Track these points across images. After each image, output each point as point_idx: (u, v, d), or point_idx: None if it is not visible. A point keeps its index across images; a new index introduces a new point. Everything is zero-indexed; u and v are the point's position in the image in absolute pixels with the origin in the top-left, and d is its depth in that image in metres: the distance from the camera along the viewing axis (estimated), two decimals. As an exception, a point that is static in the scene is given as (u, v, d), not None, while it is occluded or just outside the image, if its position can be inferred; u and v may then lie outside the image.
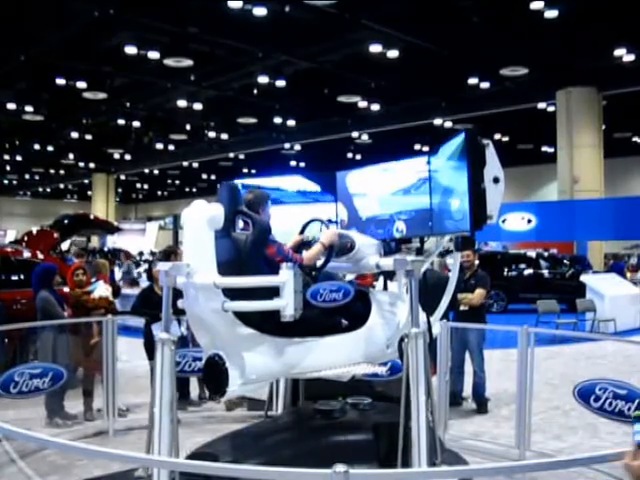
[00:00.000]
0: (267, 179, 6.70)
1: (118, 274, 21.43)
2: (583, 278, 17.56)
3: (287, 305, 4.33)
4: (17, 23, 15.34)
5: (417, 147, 31.18)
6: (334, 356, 4.78)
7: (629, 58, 18.09)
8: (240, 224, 4.62)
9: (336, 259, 5.07)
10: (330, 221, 5.46)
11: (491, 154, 4.73)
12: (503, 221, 21.69)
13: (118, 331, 8.30)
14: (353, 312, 4.90)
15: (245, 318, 4.40)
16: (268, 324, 4.50)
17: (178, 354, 6.46)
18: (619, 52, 17.82)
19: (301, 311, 4.40)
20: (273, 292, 4.39)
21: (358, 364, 4.91)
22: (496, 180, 4.72)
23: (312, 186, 6.50)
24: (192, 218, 4.52)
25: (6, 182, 47.39)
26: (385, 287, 5.50)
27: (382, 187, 5.82)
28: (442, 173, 5.14)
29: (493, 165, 4.74)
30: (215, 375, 4.42)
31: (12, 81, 21.06)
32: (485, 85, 20.79)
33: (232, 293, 4.33)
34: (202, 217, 4.43)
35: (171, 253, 9.29)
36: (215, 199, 4.70)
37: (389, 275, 5.41)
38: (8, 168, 39.89)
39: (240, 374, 4.38)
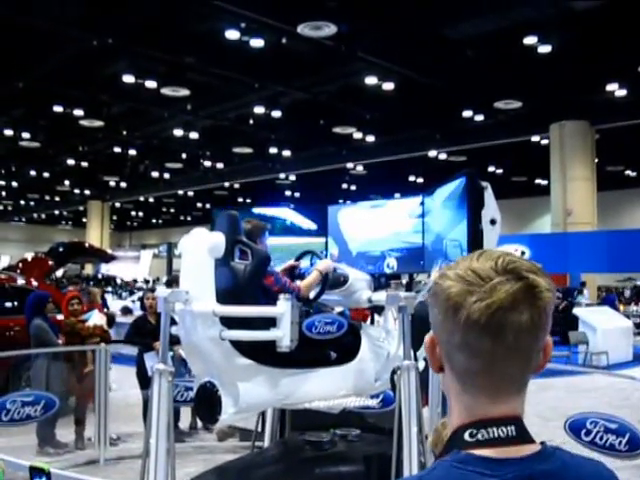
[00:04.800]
0: (263, 209, 6.77)
1: (112, 302, 21.35)
2: (576, 311, 17.59)
3: (284, 336, 4.36)
4: (15, 50, 15.46)
5: (412, 178, 31.36)
6: (325, 388, 4.80)
7: (621, 93, 18.31)
8: (237, 254, 4.65)
9: (329, 292, 5.11)
10: (320, 256, 5.49)
11: (489, 196, 4.81)
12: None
13: (111, 360, 8.31)
14: (343, 345, 4.93)
15: (241, 347, 4.42)
16: (263, 354, 4.51)
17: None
18: (611, 87, 18.03)
19: (297, 342, 4.43)
20: (269, 322, 4.42)
21: (348, 396, 4.93)
22: (493, 222, 4.80)
23: (303, 220, 6.57)
24: (192, 246, 4.54)
25: (1, 208, 47.41)
26: (372, 321, 5.53)
27: (374, 224, 5.90)
28: (437, 213, 5.22)
29: (491, 207, 4.82)
30: (207, 403, 4.42)
31: (9, 108, 21.16)
32: (479, 118, 20.97)
33: (228, 322, 4.36)
34: (203, 245, 4.45)
35: (173, 282, 9.31)
36: (209, 227, 4.72)
37: (377, 309, 5.44)
38: (4, 194, 39.96)
39: (233, 402, 4.39)
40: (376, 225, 5.88)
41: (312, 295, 4.98)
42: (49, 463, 7.11)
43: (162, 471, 4.20)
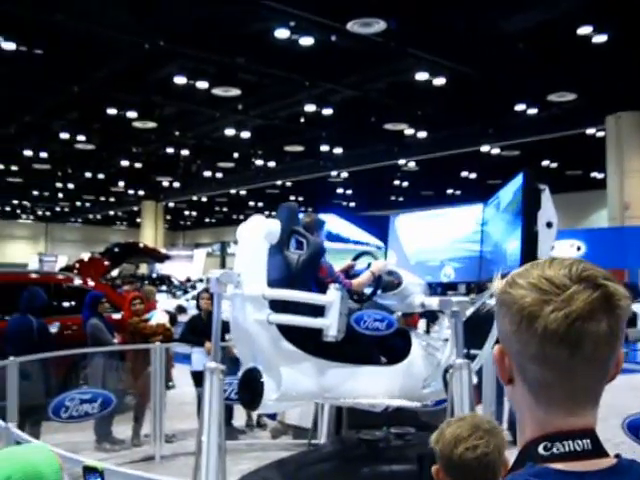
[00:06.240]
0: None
1: (166, 301, 21.57)
2: (634, 307, 17.22)
3: (331, 325, 4.37)
4: (71, 56, 15.76)
5: (464, 174, 31.07)
6: (370, 386, 4.77)
7: (680, 82, 17.83)
8: (294, 244, 4.70)
9: (383, 294, 5.10)
10: (377, 257, 5.48)
11: (547, 199, 4.74)
12: (552, 248, 21.39)
13: (174, 358, 8.41)
14: (393, 348, 4.90)
15: (288, 334, 4.44)
16: (310, 343, 4.53)
17: (224, 382, 6.53)
18: (670, 76, 17.57)
19: (343, 334, 4.43)
20: (318, 312, 4.44)
21: (393, 398, 4.89)
22: (549, 225, 4.72)
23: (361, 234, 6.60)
24: (249, 231, 4.60)
25: (58, 209, 48.39)
26: (428, 330, 5.49)
27: (434, 233, 5.87)
28: (497, 220, 5.16)
29: (548, 210, 4.74)
30: (251, 387, 4.47)
31: (65, 112, 21.58)
32: (533, 111, 20.64)
33: (278, 308, 4.39)
34: (259, 231, 4.50)
35: None
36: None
37: (432, 318, 5.41)
38: (60, 195, 40.75)
39: (276, 388, 4.41)
40: (436, 234, 5.85)
41: (366, 292, 4.99)
42: (106, 459, 7.25)
43: (213, 467, 4.23)
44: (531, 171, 4.78)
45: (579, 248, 22.21)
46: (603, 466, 1.10)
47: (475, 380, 5.01)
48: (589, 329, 1.08)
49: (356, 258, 5.50)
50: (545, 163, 27.90)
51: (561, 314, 1.07)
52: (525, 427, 1.17)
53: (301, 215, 5.15)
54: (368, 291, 5.07)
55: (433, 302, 4.90)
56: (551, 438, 1.12)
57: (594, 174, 30.17)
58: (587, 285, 1.09)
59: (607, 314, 1.09)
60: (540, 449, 1.12)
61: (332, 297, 4.39)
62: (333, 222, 6.72)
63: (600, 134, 22.10)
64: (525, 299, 1.10)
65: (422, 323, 6.02)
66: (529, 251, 4.56)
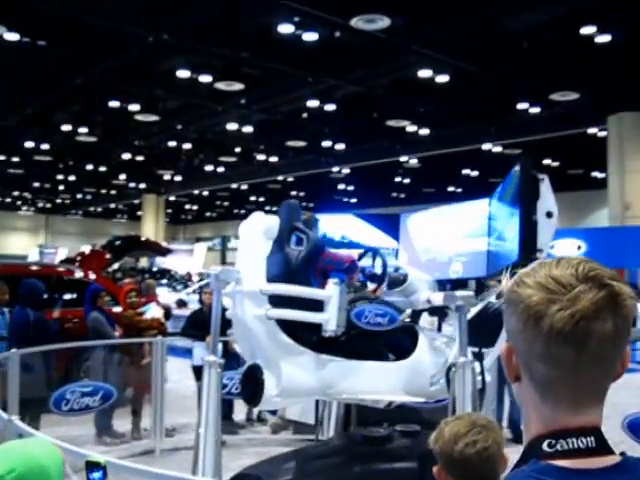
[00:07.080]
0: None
1: (166, 295, 21.52)
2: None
3: (330, 320, 4.38)
4: (74, 48, 15.74)
5: (466, 172, 31.06)
6: (374, 383, 4.75)
7: (683, 83, 17.80)
8: (294, 241, 4.72)
9: (388, 291, 5.11)
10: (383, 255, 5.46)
11: (546, 188, 4.72)
12: (552, 247, 21.37)
13: (167, 352, 8.44)
14: (399, 345, 4.89)
15: (287, 329, 4.45)
16: (309, 338, 4.54)
17: (226, 376, 6.56)
18: (673, 77, 17.54)
19: (343, 329, 4.44)
20: (318, 308, 4.45)
21: (398, 395, 4.88)
22: (549, 215, 4.69)
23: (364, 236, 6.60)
24: (249, 227, 4.63)
25: (59, 201, 48.35)
26: (439, 328, 5.48)
27: (443, 230, 5.88)
28: (500, 213, 5.16)
29: (547, 199, 4.71)
30: (251, 384, 4.49)
31: (68, 104, 21.56)
32: (535, 110, 20.62)
33: (278, 305, 4.40)
34: (258, 227, 4.54)
35: None
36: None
37: (441, 316, 5.40)
38: (61, 188, 40.72)
39: (276, 384, 4.43)
40: (444, 231, 5.85)
41: (372, 286, 5.01)
42: (106, 453, 7.26)
43: (210, 459, 4.24)
44: (527, 159, 4.75)
45: (579, 247, 22.18)
46: (607, 464, 1.11)
47: (488, 379, 5.01)
48: (594, 328, 1.10)
49: (360, 258, 5.49)
50: (547, 162, 27.87)
51: (567, 313, 1.09)
52: (531, 424, 1.18)
53: None
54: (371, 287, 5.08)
55: (438, 297, 4.90)
56: (555, 435, 1.13)
57: (595, 173, 30.18)
58: (593, 285, 1.11)
59: (613, 313, 1.11)
60: (544, 446, 1.13)
61: (331, 291, 4.41)
62: (334, 223, 6.73)
63: (602, 134, 22.08)
64: (532, 298, 1.12)
65: (425, 320, 6.00)
66: (528, 240, 4.52)
